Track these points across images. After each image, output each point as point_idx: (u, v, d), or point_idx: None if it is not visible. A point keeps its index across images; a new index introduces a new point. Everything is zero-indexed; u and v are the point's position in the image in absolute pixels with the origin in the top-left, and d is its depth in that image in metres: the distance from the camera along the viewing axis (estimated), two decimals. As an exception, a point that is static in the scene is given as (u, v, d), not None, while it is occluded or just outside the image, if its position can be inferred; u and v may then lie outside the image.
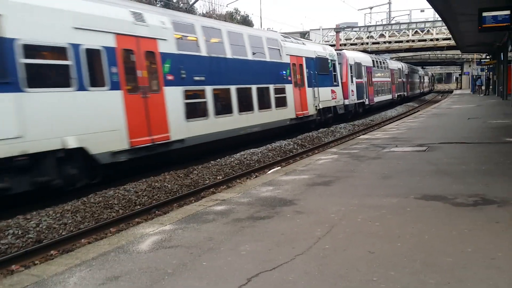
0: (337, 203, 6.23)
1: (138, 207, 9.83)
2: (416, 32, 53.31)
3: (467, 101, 34.73)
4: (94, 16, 10.97)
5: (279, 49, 20.05)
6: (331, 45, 37.46)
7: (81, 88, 10.43)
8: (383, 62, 39.27)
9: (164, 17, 13.52)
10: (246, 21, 53.16)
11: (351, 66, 29.13)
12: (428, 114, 23.35)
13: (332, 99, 25.45)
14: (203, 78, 14.61)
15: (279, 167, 12.39)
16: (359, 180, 7.76)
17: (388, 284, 3.68)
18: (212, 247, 4.77)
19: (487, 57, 48.11)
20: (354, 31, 55.87)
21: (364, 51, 44.56)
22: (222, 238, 5.04)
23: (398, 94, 44.62)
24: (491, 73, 46.85)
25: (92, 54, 10.80)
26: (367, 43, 52.91)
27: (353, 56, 30.51)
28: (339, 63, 27.25)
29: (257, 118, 17.61)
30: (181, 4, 32.87)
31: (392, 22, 67.98)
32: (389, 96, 40.22)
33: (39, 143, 9.37)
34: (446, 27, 32.40)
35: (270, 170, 12.47)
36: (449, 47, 50.90)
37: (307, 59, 22.66)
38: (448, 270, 3.89)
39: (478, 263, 4.00)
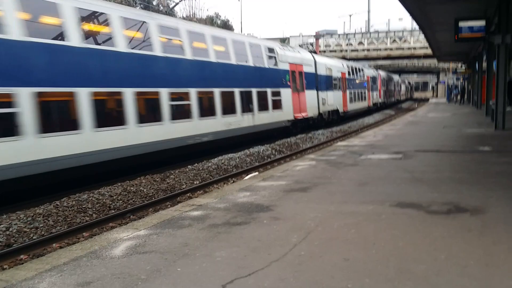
0: (314, 210, 6.23)
1: (113, 211, 9.71)
2: (394, 40, 54.12)
3: (442, 109, 35.23)
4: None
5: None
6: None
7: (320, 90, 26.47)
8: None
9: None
10: (226, 26, 53.10)
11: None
12: (405, 122, 23.60)
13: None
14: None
15: (257, 173, 12.38)
16: (336, 187, 7.78)
17: (362, 291, 3.68)
18: (187, 253, 4.71)
19: (463, 66, 48.91)
20: (334, 38, 56.33)
21: (343, 58, 44.90)
22: (198, 244, 4.99)
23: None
24: (466, 82, 47.66)
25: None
26: (346, 50, 53.38)
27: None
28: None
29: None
30: (161, 7, 32.70)
31: (371, 30, 68.77)
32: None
33: (333, 107, 29.34)
34: (423, 36, 32.87)
35: (247, 175, 12.45)
36: (426, 56, 51.83)
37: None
38: (422, 277, 3.91)
39: (451, 270, 4.04)
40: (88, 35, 11.59)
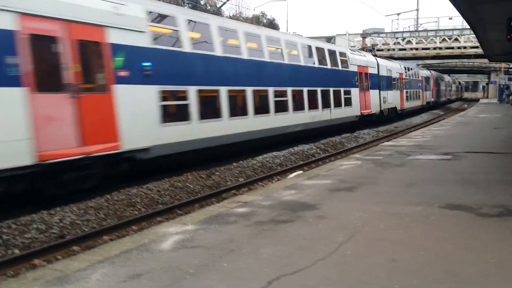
0: (359, 210, 6.20)
1: (161, 206, 9.92)
2: (443, 39, 52.68)
3: (493, 110, 34.19)
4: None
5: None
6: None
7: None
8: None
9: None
10: (272, 25, 53.17)
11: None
12: (454, 122, 23.07)
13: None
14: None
15: (302, 171, 12.37)
16: (382, 187, 7.71)
17: (409, 292, 3.65)
18: (233, 249, 4.79)
19: (516, 66, 47.30)
20: (381, 37, 55.47)
21: (391, 57, 44.26)
22: (244, 240, 5.06)
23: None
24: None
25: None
26: (394, 49, 52.48)
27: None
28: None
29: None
30: (209, 7, 33.06)
31: (420, 29, 67.31)
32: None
33: (392, 105, 31.58)
34: (474, 35, 31.93)
35: (292, 173, 12.45)
36: (477, 56, 50.17)
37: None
38: (470, 280, 3.85)
39: (500, 274, 3.95)
40: (226, 47, 15.07)
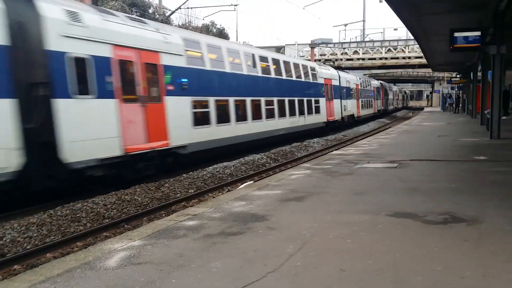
0: (309, 219, 6.20)
1: (107, 220, 9.64)
2: (389, 50, 54.22)
3: (437, 118, 35.35)
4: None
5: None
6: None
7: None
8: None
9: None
10: (222, 34, 53.11)
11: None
12: (400, 131, 23.66)
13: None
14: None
15: (252, 182, 12.34)
16: (331, 196, 7.76)
17: (359, 303, 3.64)
18: (182, 264, 4.67)
19: (458, 76, 49.14)
20: (329, 47, 56.50)
21: (338, 67, 45.16)
22: (193, 255, 4.94)
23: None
24: (461, 91, 47.86)
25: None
26: (341, 59, 53.55)
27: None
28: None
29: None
30: (157, 16, 32.72)
31: (366, 39, 69.01)
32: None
33: (350, 112, 36.71)
34: (418, 45, 33.02)
35: (242, 184, 12.40)
36: (421, 66, 51.91)
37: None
38: (419, 289, 3.88)
39: (448, 281, 4.01)
40: (232, 65, 18.82)
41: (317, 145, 23.52)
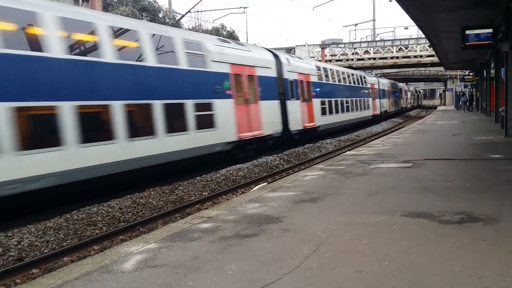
0: (324, 221, 6.19)
1: (122, 224, 9.70)
2: (400, 49, 53.88)
3: (451, 117, 35.08)
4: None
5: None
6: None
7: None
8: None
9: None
10: (232, 37, 53.18)
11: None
12: (413, 130, 23.52)
13: None
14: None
15: (265, 183, 12.35)
16: (346, 197, 7.74)
17: (376, 304, 3.63)
18: (198, 267, 4.69)
19: (470, 74, 48.71)
20: (340, 48, 56.34)
21: (350, 67, 45.07)
22: (208, 257, 4.96)
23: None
24: (474, 89, 47.44)
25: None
26: (352, 59, 53.37)
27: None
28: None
29: None
30: (167, 20, 32.88)
31: (377, 39, 68.71)
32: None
33: (384, 109, 47.88)
34: (429, 44, 32.80)
35: (256, 186, 12.41)
36: (433, 64, 51.49)
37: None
38: (436, 289, 3.86)
39: (465, 282, 3.98)
40: (337, 80, 31.39)
41: (330, 145, 23.47)
